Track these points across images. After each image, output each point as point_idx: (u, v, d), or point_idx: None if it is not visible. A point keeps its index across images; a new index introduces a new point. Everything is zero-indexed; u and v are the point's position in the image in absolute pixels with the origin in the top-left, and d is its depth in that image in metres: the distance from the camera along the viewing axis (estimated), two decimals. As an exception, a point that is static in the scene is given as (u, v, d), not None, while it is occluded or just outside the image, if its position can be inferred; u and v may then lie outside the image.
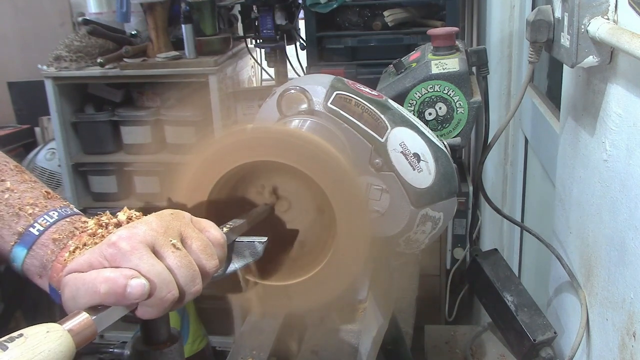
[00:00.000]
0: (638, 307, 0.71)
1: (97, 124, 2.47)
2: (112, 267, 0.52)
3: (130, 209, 0.61)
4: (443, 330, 1.62)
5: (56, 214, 0.61)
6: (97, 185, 2.56)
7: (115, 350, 2.62)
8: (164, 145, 2.47)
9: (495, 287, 1.09)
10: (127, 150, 2.50)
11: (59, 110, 2.40)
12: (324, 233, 0.76)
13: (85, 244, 0.58)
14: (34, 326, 0.44)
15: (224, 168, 0.70)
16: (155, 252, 0.53)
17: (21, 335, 0.43)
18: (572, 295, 0.98)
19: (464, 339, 1.51)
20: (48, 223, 0.60)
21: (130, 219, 0.59)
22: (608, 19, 0.74)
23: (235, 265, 0.65)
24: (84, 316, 0.48)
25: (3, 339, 0.42)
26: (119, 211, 0.61)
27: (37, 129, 2.91)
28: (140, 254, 0.52)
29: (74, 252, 0.58)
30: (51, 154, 2.71)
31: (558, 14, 0.85)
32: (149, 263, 0.52)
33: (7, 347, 0.42)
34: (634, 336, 0.72)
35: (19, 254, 0.60)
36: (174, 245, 0.54)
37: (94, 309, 0.50)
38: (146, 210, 0.60)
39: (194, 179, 0.71)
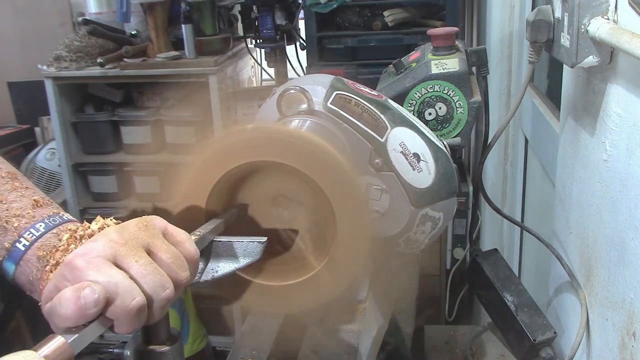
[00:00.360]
0: (638, 307, 0.71)
1: (97, 124, 2.47)
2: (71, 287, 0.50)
3: (104, 217, 0.59)
4: (443, 330, 1.62)
5: (43, 225, 0.60)
6: (97, 185, 2.56)
7: (115, 350, 2.62)
8: (164, 145, 2.47)
9: (495, 287, 1.09)
10: (127, 150, 2.50)
11: (59, 110, 2.40)
12: (324, 233, 0.76)
13: (57, 262, 0.57)
14: (8, 355, 0.44)
15: (224, 168, 0.70)
16: (118, 264, 0.52)
17: None
18: (572, 295, 0.98)
19: (464, 339, 1.51)
20: (34, 237, 0.59)
21: (102, 229, 0.58)
22: (608, 19, 0.74)
23: (235, 265, 0.65)
24: (59, 340, 0.48)
25: None
26: (93, 220, 0.60)
27: (37, 129, 2.91)
28: (96, 267, 0.51)
29: (51, 270, 0.57)
30: (51, 154, 2.71)
31: (558, 14, 0.85)
32: (107, 274, 0.50)
33: None
34: (634, 336, 0.72)
35: (8, 269, 0.59)
36: (136, 254, 0.53)
37: (69, 331, 0.49)
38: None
39: (194, 178, 0.71)
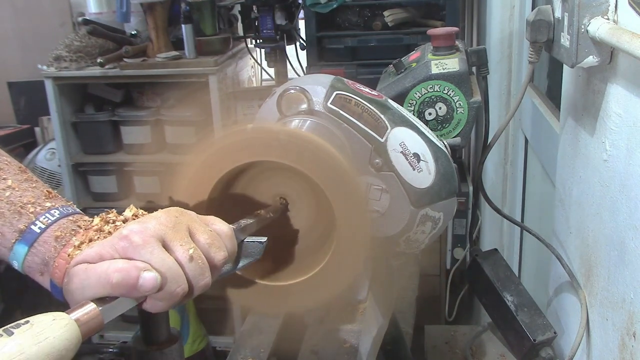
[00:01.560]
0: (638, 307, 0.71)
1: (97, 124, 2.47)
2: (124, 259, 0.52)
3: (136, 207, 0.61)
4: (443, 330, 1.62)
5: (57, 212, 0.61)
6: (97, 185, 2.56)
7: (115, 350, 2.62)
8: (164, 145, 2.47)
9: (495, 287, 1.09)
10: (127, 150, 2.50)
11: (59, 110, 2.40)
12: (324, 233, 0.76)
13: (91, 239, 0.58)
14: (40, 314, 0.45)
15: (224, 168, 0.70)
16: (165, 247, 0.54)
17: (27, 322, 0.43)
18: (572, 295, 0.98)
19: (464, 339, 1.51)
20: (49, 221, 0.60)
21: (136, 216, 0.60)
22: (608, 19, 0.74)
23: (235, 265, 0.65)
24: (91, 307, 0.49)
25: (9, 325, 0.43)
26: (124, 210, 0.61)
27: (37, 129, 2.91)
28: (151, 247, 0.53)
29: (79, 247, 0.58)
30: (51, 154, 2.71)
31: (558, 14, 0.85)
32: (160, 257, 0.53)
33: (12, 333, 0.42)
34: (634, 336, 0.72)
35: (19, 251, 0.60)
36: (182, 238, 0.55)
37: (101, 300, 0.50)
38: (149, 210, 0.60)
39: (194, 179, 0.71)
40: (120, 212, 0.61)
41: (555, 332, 1.02)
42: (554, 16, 0.87)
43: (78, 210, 0.64)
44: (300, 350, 0.93)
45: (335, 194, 0.69)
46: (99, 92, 2.52)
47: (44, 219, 0.60)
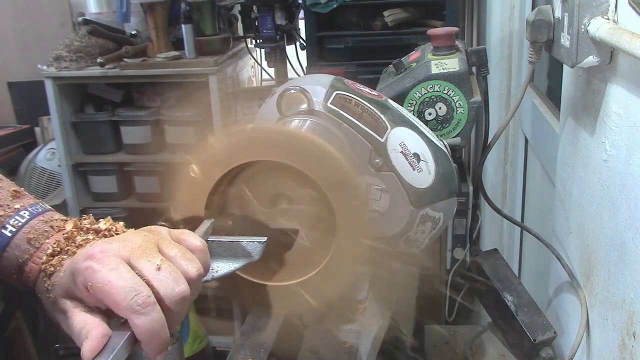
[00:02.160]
0: (638, 307, 0.71)
1: (97, 124, 2.47)
2: (88, 287, 0.52)
3: (115, 219, 0.61)
4: (443, 330, 1.62)
5: (27, 213, 0.61)
6: (97, 185, 2.56)
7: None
8: (164, 145, 2.47)
9: (495, 287, 1.09)
10: (127, 150, 2.50)
11: (59, 110, 2.40)
12: (324, 233, 0.76)
13: (62, 249, 0.58)
14: None
15: (224, 168, 0.70)
16: (131, 266, 0.53)
17: None
18: (572, 295, 0.98)
19: (464, 339, 1.51)
20: (20, 224, 0.60)
21: (109, 231, 0.59)
22: (608, 19, 0.74)
23: (235, 265, 0.65)
24: None
25: None
26: (102, 218, 0.61)
27: (37, 129, 2.91)
28: (111, 265, 0.52)
29: (51, 256, 0.57)
30: (51, 154, 2.71)
31: (558, 14, 0.85)
32: (119, 272, 0.52)
33: None
34: (634, 336, 0.72)
35: None
36: (149, 255, 0.54)
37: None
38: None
39: (194, 179, 0.71)
40: (98, 220, 0.61)
41: (555, 332, 1.02)
42: (554, 16, 0.87)
43: (47, 207, 0.64)
44: (300, 350, 0.93)
45: (335, 194, 0.69)
46: (99, 92, 2.52)
47: (14, 221, 0.60)
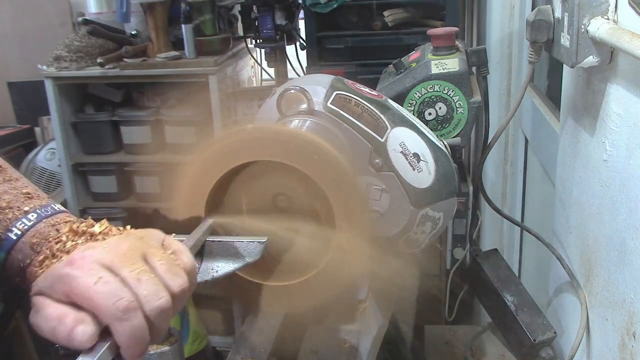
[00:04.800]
0: (638, 307, 0.71)
1: (97, 124, 2.47)
2: (67, 293, 0.51)
3: (110, 223, 0.60)
4: (443, 330, 1.62)
5: (35, 215, 0.61)
6: (97, 185, 2.56)
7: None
8: (164, 145, 2.46)
9: (495, 287, 1.09)
10: (127, 150, 2.50)
11: (59, 110, 2.40)
12: (324, 233, 0.76)
13: (54, 255, 0.57)
14: None
15: (224, 168, 0.70)
16: (113, 273, 0.52)
17: None
18: (572, 295, 0.98)
19: (464, 339, 1.51)
20: (26, 227, 0.60)
21: (104, 234, 0.58)
22: (608, 19, 0.74)
23: (235, 265, 0.65)
24: None
25: None
26: (99, 221, 0.60)
27: (37, 129, 2.91)
28: (91, 272, 0.51)
29: (43, 261, 0.57)
30: (51, 154, 2.71)
31: (558, 14, 0.85)
32: (98, 276, 0.51)
33: None
34: (634, 336, 0.72)
35: None
36: (132, 263, 0.53)
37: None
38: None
39: (194, 179, 0.71)
40: (96, 220, 0.60)
41: (555, 332, 1.02)
42: (554, 16, 0.87)
43: (59, 208, 0.63)
44: (300, 350, 0.93)
45: (335, 194, 0.69)
46: (99, 92, 2.52)
47: (21, 224, 0.60)
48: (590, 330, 0.89)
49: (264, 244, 0.65)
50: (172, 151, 2.43)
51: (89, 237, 0.58)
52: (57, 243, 0.58)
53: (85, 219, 0.62)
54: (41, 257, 0.57)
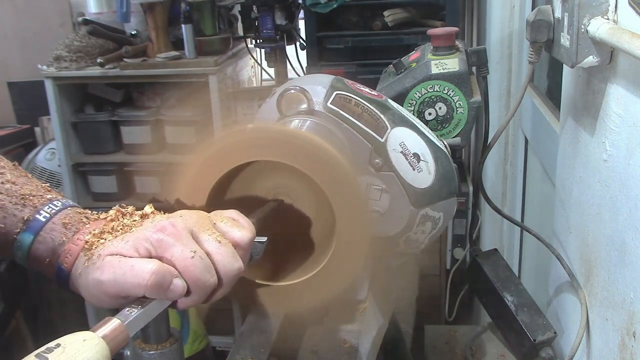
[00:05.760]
0: (638, 307, 0.71)
1: (97, 124, 2.47)
2: (157, 258, 0.54)
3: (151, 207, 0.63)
4: (443, 330, 1.62)
5: (60, 203, 0.63)
6: (97, 185, 2.56)
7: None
8: (164, 145, 2.47)
9: (495, 287, 1.09)
10: (127, 150, 2.50)
11: (59, 110, 2.40)
12: (324, 233, 0.76)
13: (113, 229, 0.59)
14: (68, 335, 0.46)
15: (224, 168, 0.70)
16: (194, 238, 0.56)
17: (59, 345, 0.44)
18: (572, 295, 0.98)
19: (464, 339, 1.51)
20: (54, 211, 0.62)
21: (154, 214, 0.61)
22: (608, 19, 0.74)
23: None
24: (115, 322, 0.49)
25: (41, 349, 0.43)
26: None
27: (37, 129, 2.91)
28: (184, 240, 0.55)
29: (101, 235, 0.58)
30: (51, 154, 2.71)
31: (558, 14, 0.85)
32: (192, 249, 0.55)
33: (46, 358, 0.42)
34: (634, 336, 0.72)
35: (25, 240, 0.60)
36: (209, 229, 0.58)
37: (123, 315, 0.51)
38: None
39: (194, 179, 0.71)
40: (137, 208, 0.62)
41: (555, 332, 1.02)
42: (554, 16, 0.87)
43: (75, 203, 0.65)
44: (300, 350, 0.93)
45: (335, 194, 0.69)
46: (99, 92, 2.52)
47: (48, 208, 0.62)
48: (590, 330, 0.89)
49: (264, 243, 0.66)
50: (172, 151, 2.43)
51: (142, 216, 0.60)
52: (111, 220, 0.60)
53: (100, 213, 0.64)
54: (97, 231, 0.59)
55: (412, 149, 0.88)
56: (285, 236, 0.77)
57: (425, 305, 1.98)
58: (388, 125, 0.88)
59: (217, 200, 0.73)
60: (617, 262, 0.77)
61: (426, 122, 1.06)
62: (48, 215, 0.61)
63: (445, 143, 0.96)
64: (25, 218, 0.61)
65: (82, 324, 2.47)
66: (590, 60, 0.77)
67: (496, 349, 1.42)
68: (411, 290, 1.55)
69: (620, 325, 0.76)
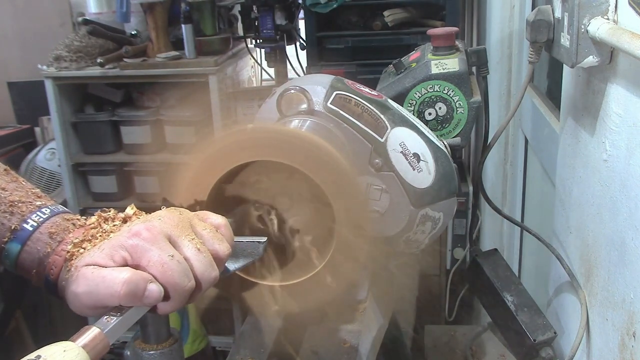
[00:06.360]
0: (638, 307, 0.71)
1: (97, 124, 2.47)
2: (132, 266, 0.53)
3: (135, 207, 0.62)
4: (443, 330, 1.62)
5: (48, 210, 0.62)
6: (97, 185, 2.56)
7: (116, 350, 2.61)
8: (164, 145, 2.47)
9: (495, 287, 1.09)
10: (127, 150, 2.50)
11: (59, 110, 2.40)
12: (324, 233, 0.76)
13: (93, 236, 0.58)
14: (48, 346, 0.45)
15: (224, 168, 0.70)
16: (172, 243, 0.55)
17: (39, 357, 0.44)
18: (572, 295, 0.98)
19: (464, 339, 1.51)
20: (41, 219, 0.61)
21: (136, 216, 0.61)
22: (608, 19, 0.74)
23: (235, 265, 0.65)
24: (95, 331, 0.49)
25: None
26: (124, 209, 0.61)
27: (37, 129, 2.91)
28: (160, 244, 0.54)
29: (81, 244, 0.58)
30: (51, 154, 2.71)
31: (558, 14, 0.85)
32: (169, 253, 0.54)
33: None
34: (634, 336, 0.72)
35: (12, 250, 0.60)
36: (188, 234, 0.56)
37: (102, 323, 0.51)
38: (151, 210, 0.61)
39: (194, 179, 0.71)
40: (119, 211, 0.61)
41: (555, 332, 1.02)
42: (554, 16, 0.87)
43: (66, 209, 0.65)
44: (300, 350, 0.93)
45: (335, 194, 0.69)
46: (99, 92, 2.52)
47: (36, 217, 0.61)
48: (590, 330, 0.89)
49: (264, 244, 0.66)
50: (172, 151, 2.43)
51: (122, 221, 0.60)
52: (92, 228, 0.59)
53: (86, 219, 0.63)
54: (77, 240, 0.58)
55: (412, 149, 0.88)
56: (285, 236, 0.77)
57: (425, 305, 1.98)
58: (388, 125, 0.88)
59: (217, 200, 0.73)
60: (617, 262, 0.77)
61: (426, 122, 1.06)
62: (35, 224, 0.60)
63: (445, 143, 0.96)
64: (13, 227, 0.60)
65: (82, 324, 2.46)
66: (590, 60, 0.77)
67: (496, 349, 1.42)
68: (411, 290, 1.55)
69: (620, 325, 0.76)
